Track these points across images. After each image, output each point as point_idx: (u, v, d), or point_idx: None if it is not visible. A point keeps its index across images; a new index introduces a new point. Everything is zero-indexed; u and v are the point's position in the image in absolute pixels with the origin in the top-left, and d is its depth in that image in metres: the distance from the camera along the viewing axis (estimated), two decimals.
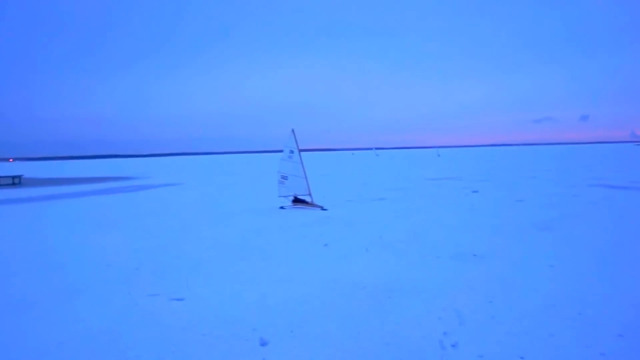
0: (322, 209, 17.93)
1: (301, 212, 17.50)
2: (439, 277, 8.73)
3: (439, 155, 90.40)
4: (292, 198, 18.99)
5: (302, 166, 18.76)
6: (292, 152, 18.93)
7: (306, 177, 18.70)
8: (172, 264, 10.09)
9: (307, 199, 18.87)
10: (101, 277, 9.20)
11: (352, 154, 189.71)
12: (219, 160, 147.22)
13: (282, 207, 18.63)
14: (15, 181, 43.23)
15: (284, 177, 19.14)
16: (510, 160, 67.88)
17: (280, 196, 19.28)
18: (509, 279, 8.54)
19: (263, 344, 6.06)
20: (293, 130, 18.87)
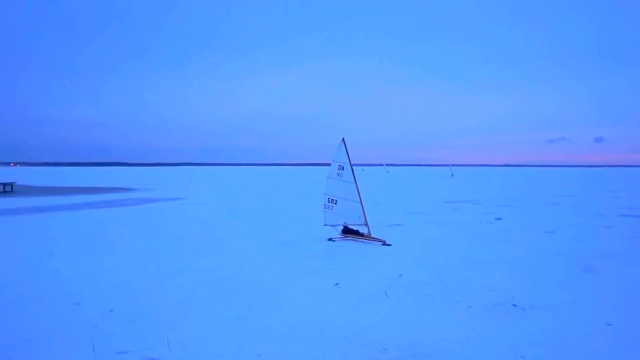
0: (385, 243, 14.39)
1: (309, 241, 15.87)
2: (475, 336, 7.09)
3: (452, 175, 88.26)
4: (341, 228, 15.62)
5: (357, 187, 15.02)
6: (341, 168, 15.13)
7: (361, 202, 15.08)
8: (155, 306, 8.50)
9: (362, 229, 15.41)
10: (65, 321, 7.64)
11: (362, 170, 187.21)
12: (226, 172, 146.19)
13: (330, 239, 15.25)
14: (7, 189, 41.93)
15: (332, 201, 15.40)
16: (527, 183, 65.90)
17: (326, 225, 15.71)
18: (562, 342, 6.89)
19: None
20: (343, 140, 15.08)
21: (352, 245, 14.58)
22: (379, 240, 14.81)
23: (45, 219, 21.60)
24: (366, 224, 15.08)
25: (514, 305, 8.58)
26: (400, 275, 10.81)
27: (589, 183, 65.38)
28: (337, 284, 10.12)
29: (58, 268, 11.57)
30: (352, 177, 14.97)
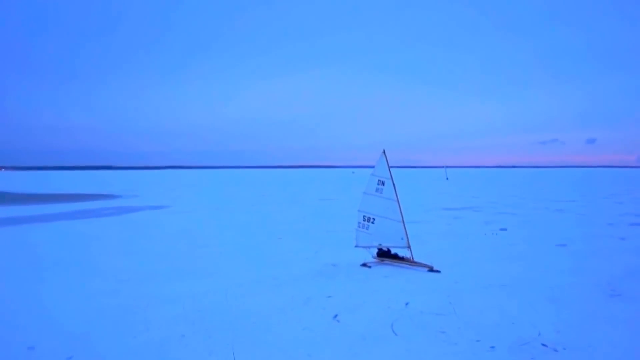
0: (432, 269, 12.31)
1: (302, 258, 14.52)
2: None
3: (447, 179, 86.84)
4: (376, 250, 13.55)
5: (398, 204, 13.04)
6: (382, 183, 13.19)
7: (403, 222, 13.04)
8: (122, 351, 7.16)
9: (401, 252, 13.27)
10: None
11: (353, 172, 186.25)
12: (214, 175, 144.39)
13: (364, 265, 13.03)
14: None
15: (369, 219, 13.28)
16: (524, 186, 64.65)
17: (358, 246, 13.57)
18: None
19: None
20: (384, 152, 13.29)
21: (350, 263, 13.26)
22: (425, 265, 12.57)
23: (15, 234, 20.12)
24: (409, 247, 13.04)
25: (544, 345, 7.30)
26: (407, 303, 9.50)
27: (587, 186, 64.11)
28: (336, 316, 8.79)
29: (14, 299, 10.13)
30: (394, 193, 13.04)
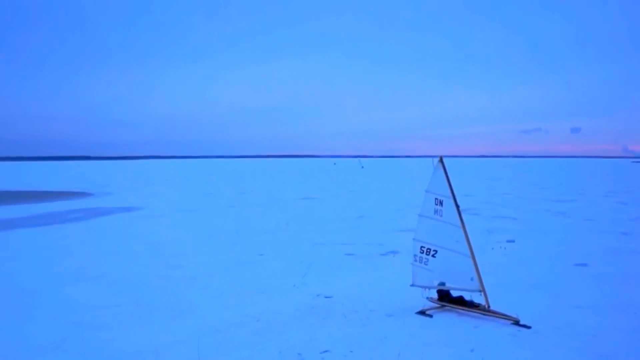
0: (518, 323, 9.16)
1: (289, 285, 12.48)
2: None
3: None
4: (435, 291, 10.50)
5: (464, 231, 9.83)
6: (440, 202, 10.10)
7: (473, 256, 9.83)
8: None
9: (467, 295, 10.20)
10: None
11: (334, 163, 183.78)
12: (192, 166, 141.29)
13: (421, 313, 10.00)
14: None
15: (428, 251, 10.22)
16: (514, 180, 63.19)
17: (414, 285, 10.45)
18: None
19: None
20: (441, 159, 10.24)
21: (345, 295, 11.23)
22: (507, 317, 9.42)
23: None
24: (482, 291, 9.76)
25: None
26: None
27: (580, 180, 62.36)
28: None
29: None
30: (457, 216, 9.87)
